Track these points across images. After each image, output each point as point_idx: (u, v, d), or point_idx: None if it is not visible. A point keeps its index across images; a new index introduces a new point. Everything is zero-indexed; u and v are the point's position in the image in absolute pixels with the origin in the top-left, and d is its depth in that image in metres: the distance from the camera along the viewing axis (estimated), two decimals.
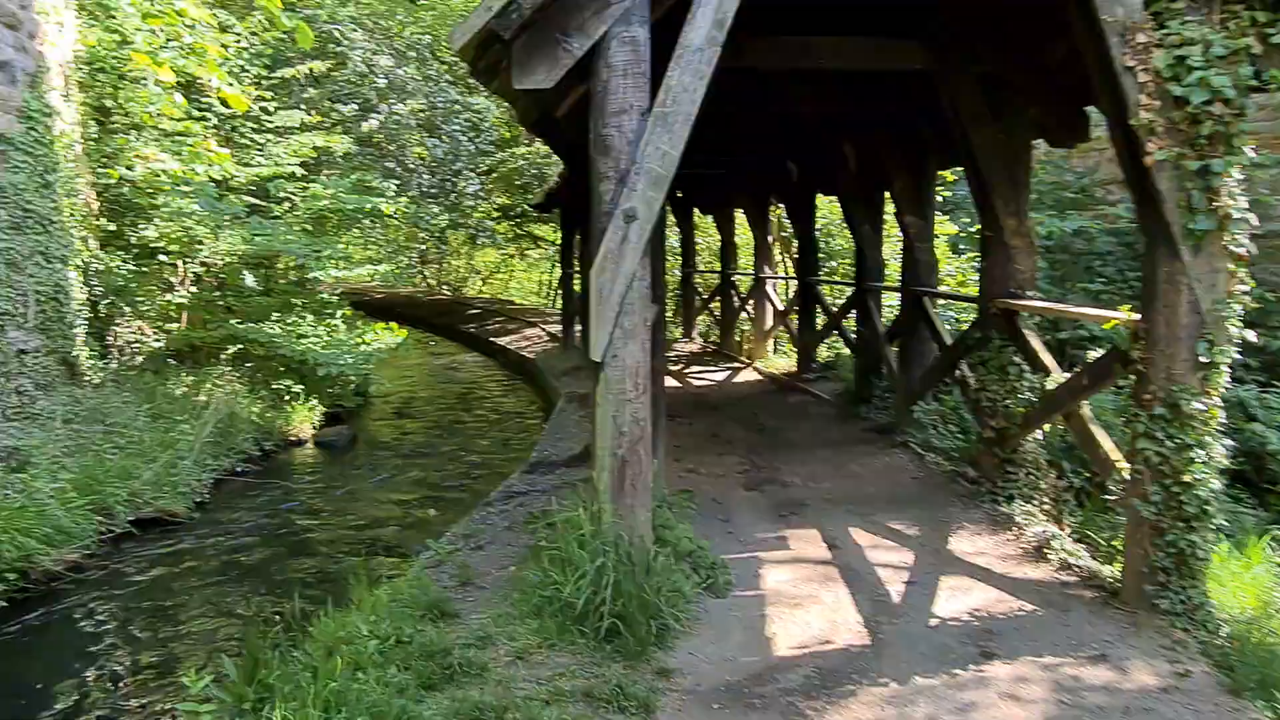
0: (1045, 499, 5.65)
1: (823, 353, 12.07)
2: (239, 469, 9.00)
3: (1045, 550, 4.99)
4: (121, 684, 4.84)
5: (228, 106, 11.09)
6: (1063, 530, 5.25)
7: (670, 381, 12.04)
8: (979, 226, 6.08)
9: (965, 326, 8.95)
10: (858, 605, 4.42)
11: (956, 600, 4.47)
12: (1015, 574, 4.78)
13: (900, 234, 8.40)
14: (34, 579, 5.91)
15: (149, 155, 9.95)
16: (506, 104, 7.41)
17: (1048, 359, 5.64)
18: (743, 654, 3.95)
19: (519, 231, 24.84)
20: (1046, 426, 5.81)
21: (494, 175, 18.37)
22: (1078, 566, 4.77)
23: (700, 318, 17.07)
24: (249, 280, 10.38)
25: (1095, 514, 5.18)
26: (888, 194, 8.98)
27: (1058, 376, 5.43)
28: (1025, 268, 5.80)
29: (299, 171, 10.65)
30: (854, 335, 9.87)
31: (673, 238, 20.34)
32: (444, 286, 31.90)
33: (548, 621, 3.95)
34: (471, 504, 7.36)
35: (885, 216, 9.64)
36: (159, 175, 9.75)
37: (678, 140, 3.92)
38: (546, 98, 5.19)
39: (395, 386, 14.77)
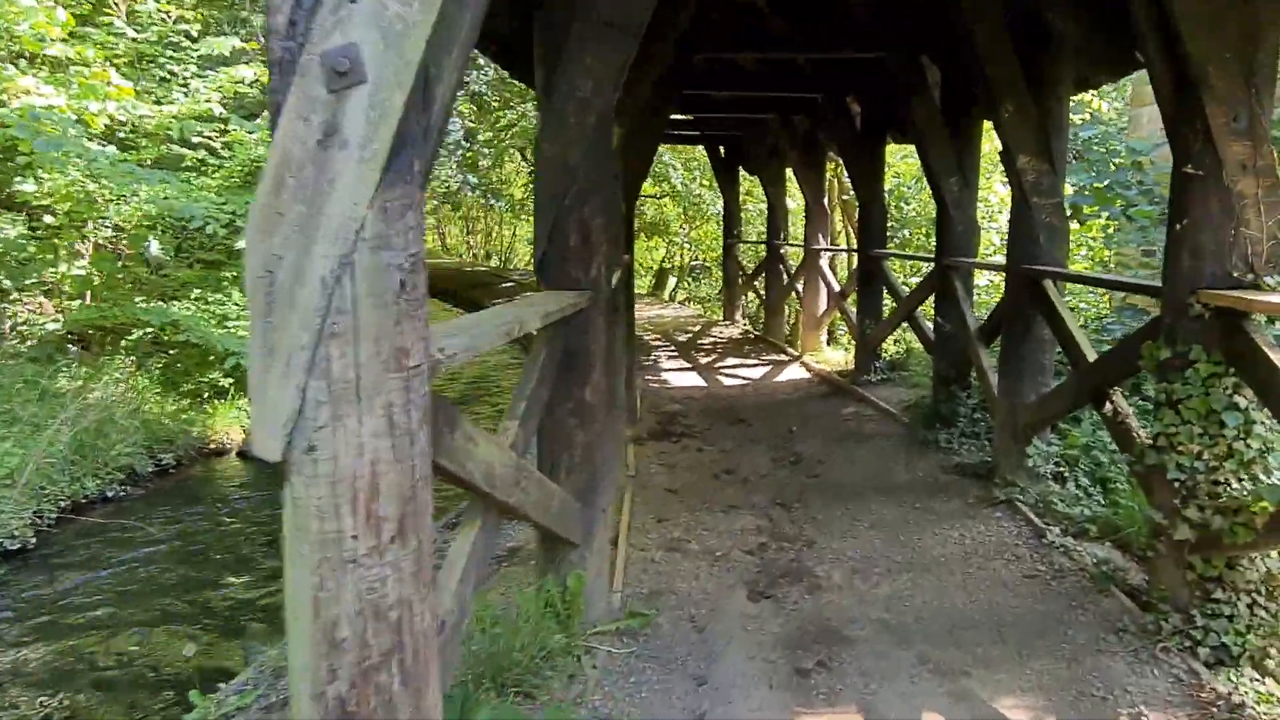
0: None
1: (890, 347, 9.44)
2: (108, 494, 6.88)
3: None
4: None
5: (142, 29, 8.93)
6: None
7: (695, 380, 9.59)
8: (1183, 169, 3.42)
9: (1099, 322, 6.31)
10: None
11: None
12: None
13: (1009, 186, 5.70)
14: None
15: (26, 88, 7.82)
16: None
17: None
18: None
19: None
20: None
21: (513, 131, 15.95)
22: None
23: (745, 298, 14.50)
24: (153, 249, 8.22)
25: None
26: (990, 127, 6.33)
27: None
28: (1265, 234, 3.17)
29: (217, 111, 8.40)
30: (932, 327, 7.24)
31: (717, 204, 17.76)
32: (493, 258, 29.83)
33: None
34: None
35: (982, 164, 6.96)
36: (38, 111, 7.60)
37: None
38: None
39: None
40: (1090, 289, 8.30)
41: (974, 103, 6.46)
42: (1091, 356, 4.39)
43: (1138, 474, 3.71)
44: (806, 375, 9.82)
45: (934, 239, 7.78)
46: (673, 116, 12.30)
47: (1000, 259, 10.50)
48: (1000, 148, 5.54)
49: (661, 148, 17.42)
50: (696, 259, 24.48)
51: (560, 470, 3.35)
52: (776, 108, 10.32)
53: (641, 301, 20.73)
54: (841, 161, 11.55)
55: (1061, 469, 5.07)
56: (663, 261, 26.13)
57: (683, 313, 17.42)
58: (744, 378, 9.83)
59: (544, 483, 2.88)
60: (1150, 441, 3.50)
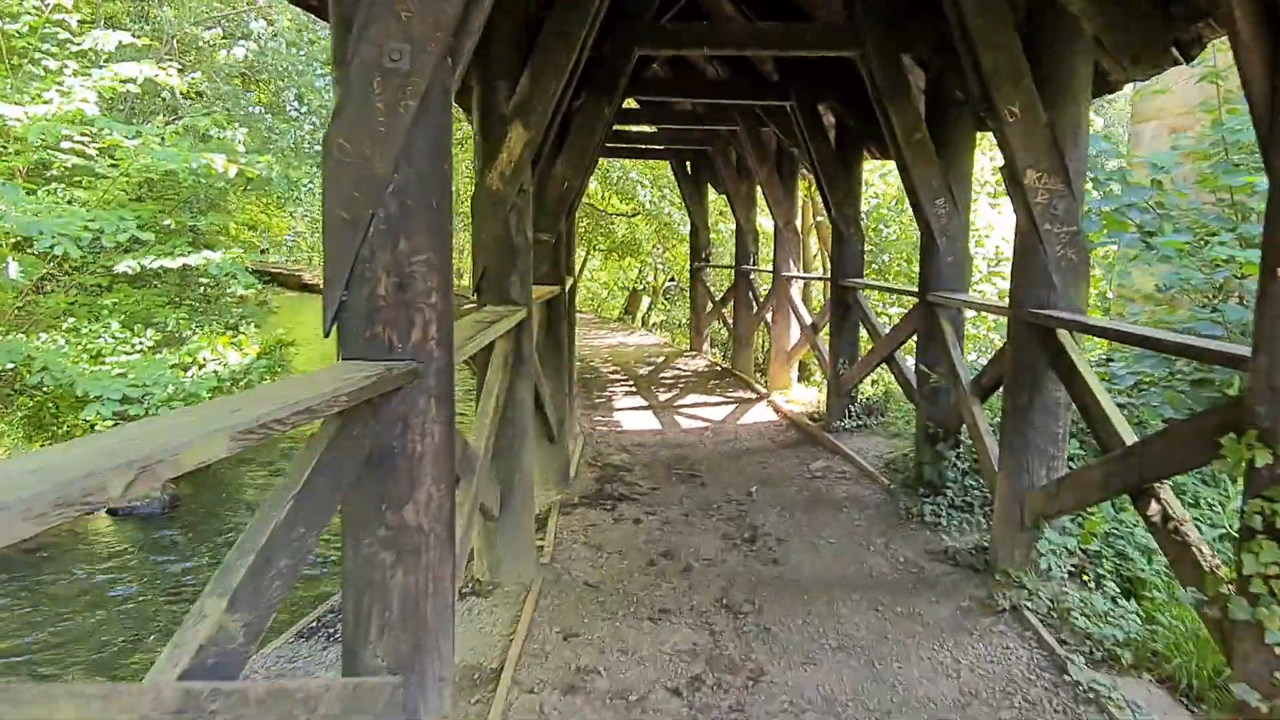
0: None
1: (866, 388, 8.38)
2: None
3: None
4: None
5: (13, 19, 7.78)
6: None
7: (649, 423, 8.51)
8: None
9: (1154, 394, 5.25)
10: None
11: None
12: None
13: (1015, 210, 4.63)
14: None
15: None
16: None
17: None
18: None
19: None
20: None
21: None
22: None
23: (713, 326, 13.44)
24: (11, 271, 7.02)
25: None
26: (986, 136, 5.32)
27: None
28: None
29: (90, 111, 7.23)
30: (915, 373, 6.19)
31: (688, 223, 16.73)
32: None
33: None
34: None
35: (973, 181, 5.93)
36: None
37: None
38: None
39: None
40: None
41: (965, 110, 5.44)
42: (1129, 437, 3.32)
43: (1209, 619, 2.63)
44: (774, 417, 8.76)
45: (916, 267, 6.79)
46: (634, 127, 11.29)
47: (990, 290, 9.48)
48: (998, 163, 4.52)
49: (628, 163, 16.39)
50: (672, 279, 23.45)
51: (369, 630, 2.23)
52: (744, 118, 9.31)
53: (607, 327, 19.66)
54: (814, 179, 10.54)
55: (1087, 574, 3.99)
56: (635, 283, 25.09)
57: (648, 341, 16.35)
58: (704, 419, 8.75)
59: (282, 693, 1.76)
60: (1235, 580, 2.43)
